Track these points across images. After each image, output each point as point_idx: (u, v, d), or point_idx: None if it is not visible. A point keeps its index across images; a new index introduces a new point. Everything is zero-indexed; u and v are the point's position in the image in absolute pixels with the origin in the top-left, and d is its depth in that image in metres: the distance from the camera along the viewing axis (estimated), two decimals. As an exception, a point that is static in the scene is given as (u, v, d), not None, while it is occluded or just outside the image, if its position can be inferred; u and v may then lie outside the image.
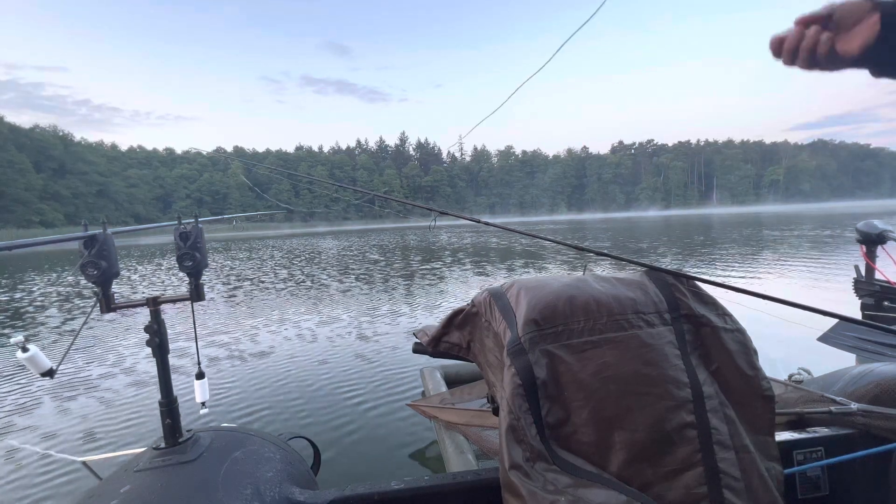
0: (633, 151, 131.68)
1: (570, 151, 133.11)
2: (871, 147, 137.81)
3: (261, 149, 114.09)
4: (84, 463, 1.44)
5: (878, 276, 3.23)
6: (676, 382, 0.90)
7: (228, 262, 16.36)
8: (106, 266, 1.03)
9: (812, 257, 10.58)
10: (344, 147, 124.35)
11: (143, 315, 1.10)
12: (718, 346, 0.97)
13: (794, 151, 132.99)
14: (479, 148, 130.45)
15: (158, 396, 1.09)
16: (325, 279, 10.65)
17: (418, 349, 1.30)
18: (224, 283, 10.60)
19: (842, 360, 2.14)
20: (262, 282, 10.65)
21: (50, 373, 1.04)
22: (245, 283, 10.47)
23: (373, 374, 4.00)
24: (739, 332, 1.00)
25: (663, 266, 1.12)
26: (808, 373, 1.82)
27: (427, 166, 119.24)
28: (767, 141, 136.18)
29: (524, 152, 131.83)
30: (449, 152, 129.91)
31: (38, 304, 8.97)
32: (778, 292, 1.38)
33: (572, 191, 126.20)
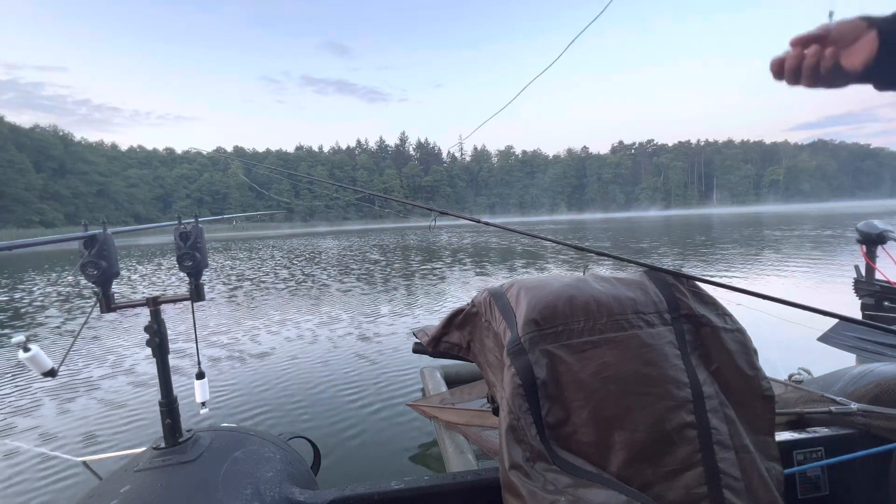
0: (633, 151, 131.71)
1: (570, 151, 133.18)
2: (872, 147, 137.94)
3: (261, 149, 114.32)
4: (84, 463, 1.44)
5: (878, 276, 3.23)
6: (676, 382, 0.90)
7: (229, 262, 16.36)
8: (106, 266, 1.03)
9: (813, 257, 10.58)
10: (344, 147, 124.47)
11: (144, 315, 1.10)
12: (718, 346, 0.97)
13: (794, 151, 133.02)
14: (479, 148, 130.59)
15: (158, 396, 1.10)
16: (326, 279, 10.65)
17: (418, 349, 1.30)
18: (224, 283, 10.60)
19: (842, 360, 2.14)
20: (263, 282, 10.65)
21: (51, 372, 1.04)
22: (245, 283, 10.47)
23: (373, 374, 4.00)
24: (739, 332, 1.00)
25: (663, 266, 1.12)
26: (808, 373, 1.83)
27: (427, 166, 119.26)
28: (767, 141, 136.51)
29: (524, 152, 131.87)
30: (449, 152, 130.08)
31: (39, 304, 8.97)
32: (778, 292, 1.38)
33: (572, 191, 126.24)
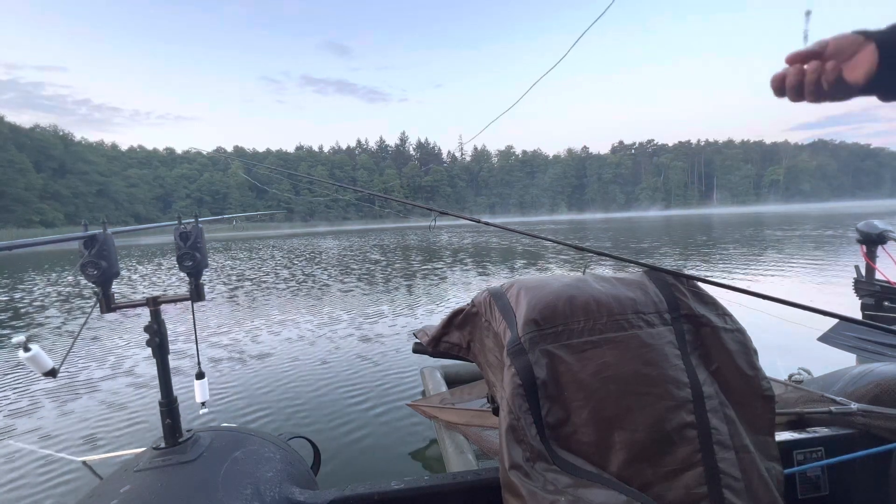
0: (633, 151, 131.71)
1: (570, 151, 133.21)
2: (872, 147, 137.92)
3: (261, 149, 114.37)
4: (84, 463, 1.44)
5: (878, 276, 3.23)
6: (676, 382, 0.90)
7: (229, 262, 16.36)
8: (106, 266, 1.03)
9: (813, 257, 10.58)
10: (344, 147, 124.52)
11: (144, 315, 1.10)
12: (718, 346, 0.97)
13: (794, 151, 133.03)
14: (479, 148, 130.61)
15: (158, 396, 1.10)
16: (326, 279, 10.65)
17: (418, 349, 1.30)
18: (224, 284, 10.60)
19: (842, 360, 2.14)
20: (263, 282, 10.65)
21: (52, 372, 1.04)
22: (246, 283, 10.48)
23: (373, 374, 4.00)
24: (739, 332, 1.00)
25: (663, 266, 1.12)
26: (808, 373, 1.83)
27: (427, 166, 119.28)
28: (768, 141, 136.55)
29: (524, 152, 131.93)
30: (449, 152, 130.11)
31: (39, 304, 8.97)
32: (778, 292, 1.38)
33: (572, 191, 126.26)
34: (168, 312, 1.09)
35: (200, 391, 1.25)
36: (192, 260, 1.15)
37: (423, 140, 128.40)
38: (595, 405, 0.88)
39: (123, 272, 14.02)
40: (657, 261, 11.07)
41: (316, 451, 1.46)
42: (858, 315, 3.21)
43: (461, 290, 8.33)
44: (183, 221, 1.19)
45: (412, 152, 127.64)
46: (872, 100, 0.60)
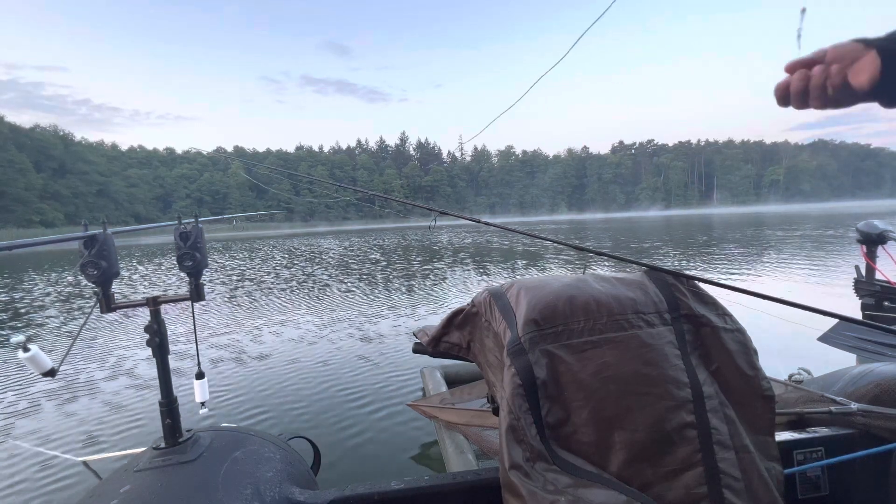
0: (633, 151, 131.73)
1: (570, 151, 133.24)
2: (872, 147, 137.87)
3: (261, 149, 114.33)
4: (84, 463, 1.44)
5: (878, 276, 3.23)
6: (676, 382, 0.90)
7: (230, 262, 16.37)
8: (106, 266, 1.03)
9: (814, 257, 10.58)
10: (344, 147, 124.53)
11: (144, 315, 1.10)
12: (718, 346, 0.97)
13: (794, 151, 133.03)
14: (479, 148, 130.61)
15: (158, 396, 1.10)
16: (327, 279, 10.65)
17: (418, 349, 1.30)
18: (224, 284, 10.61)
19: (842, 360, 2.14)
20: (264, 282, 10.65)
21: (51, 372, 1.04)
22: (246, 283, 10.48)
23: (373, 374, 4.00)
24: (739, 332, 1.00)
25: (663, 266, 1.12)
26: (808, 373, 1.82)
27: (427, 166, 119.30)
28: (768, 141, 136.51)
29: (524, 152, 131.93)
30: (449, 152, 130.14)
31: (39, 304, 8.98)
32: (778, 292, 1.38)
33: (572, 191, 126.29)
34: (168, 313, 1.09)
35: (200, 391, 1.25)
36: (192, 260, 1.15)
37: (423, 140, 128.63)
38: (595, 405, 0.88)
39: (123, 272, 14.03)
40: (658, 261, 11.07)
41: (316, 452, 1.46)
42: (858, 315, 3.21)
43: (461, 290, 8.33)
44: (183, 221, 1.19)
45: (412, 152, 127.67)
46: (872, 100, 0.59)
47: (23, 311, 8.23)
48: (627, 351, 0.92)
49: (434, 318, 5.97)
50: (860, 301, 3.29)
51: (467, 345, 1.16)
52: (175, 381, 1.15)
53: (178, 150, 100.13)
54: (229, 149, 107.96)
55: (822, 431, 1.26)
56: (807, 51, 0.61)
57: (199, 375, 1.25)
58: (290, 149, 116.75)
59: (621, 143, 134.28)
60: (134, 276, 13.05)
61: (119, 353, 5.07)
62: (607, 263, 9.43)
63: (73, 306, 8.52)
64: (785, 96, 0.61)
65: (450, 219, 1.75)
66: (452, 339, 1.19)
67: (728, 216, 49.84)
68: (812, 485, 1.20)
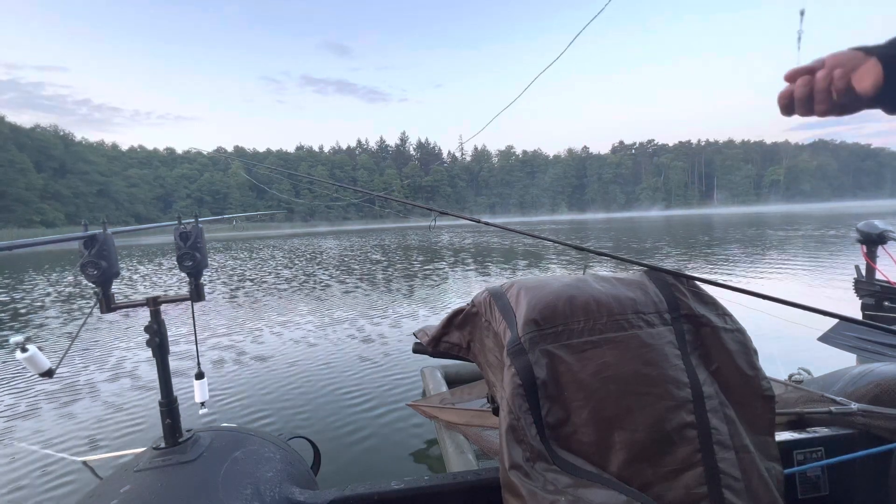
0: (633, 151, 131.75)
1: (570, 151, 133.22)
2: (872, 147, 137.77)
3: (261, 149, 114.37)
4: (84, 463, 1.44)
5: (878, 276, 3.23)
6: (676, 382, 0.90)
7: (230, 262, 16.37)
8: (106, 266, 1.03)
9: (815, 257, 10.58)
10: (344, 147, 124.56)
11: (144, 315, 1.10)
12: (718, 346, 0.97)
13: (794, 151, 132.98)
14: (479, 148, 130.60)
15: (158, 396, 1.10)
16: (327, 279, 10.66)
17: (418, 349, 1.30)
18: (225, 284, 10.61)
19: (842, 360, 2.13)
20: (265, 282, 10.66)
21: (49, 373, 1.04)
22: (247, 284, 10.48)
23: (373, 374, 4.00)
24: (739, 332, 1.00)
25: (664, 266, 1.12)
26: (808, 373, 1.82)
27: (427, 166, 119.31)
28: (768, 141, 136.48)
29: (524, 152, 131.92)
30: (449, 152, 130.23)
31: (39, 304, 8.98)
32: (778, 292, 1.38)
33: (573, 191, 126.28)
34: (168, 313, 1.09)
35: (200, 391, 1.25)
36: (192, 260, 1.15)
37: (423, 140, 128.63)
38: (595, 405, 0.88)
39: (124, 272, 14.03)
40: (659, 261, 11.07)
41: (316, 452, 1.46)
42: (858, 315, 3.21)
43: (462, 290, 8.33)
44: (183, 221, 1.19)
45: (412, 152, 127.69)
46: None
47: (23, 311, 8.24)
48: (627, 351, 0.92)
49: (434, 319, 5.98)
50: (860, 301, 3.29)
51: (467, 345, 1.16)
52: (175, 381, 1.15)
53: (179, 150, 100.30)
54: (229, 149, 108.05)
55: (822, 431, 1.26)
56: (807, 52, 0.61)
57: (199, 375, 1.25)
58: (291, 149, 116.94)
59: (621, 143, 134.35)
60: (134, 277, 13.05)
61: (119, 354, 5.07)
62: (607, 263, 9.43)
63: (74, 306, 8.53)
64: (789, 104, 0.61)
65: (450, 219, 1.75)
66: (452, 339, 1.19)
67: (729, 216, 49.84)
68: (812, 485, 1.20)
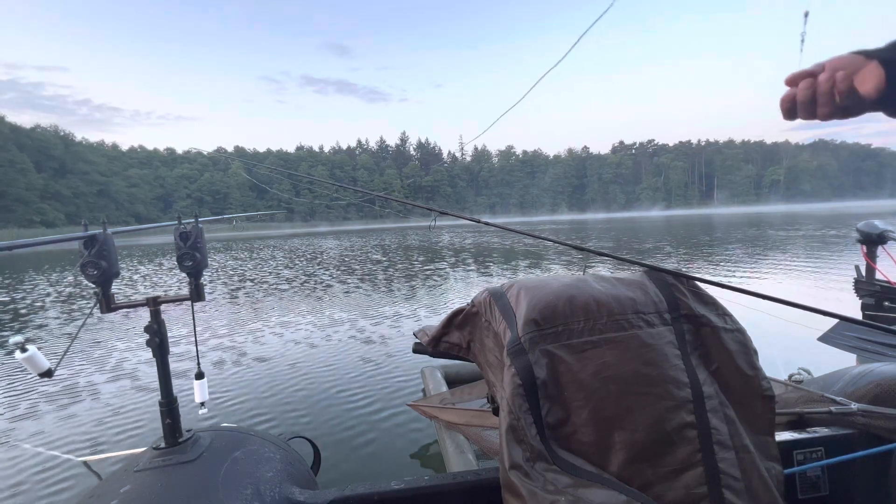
0: (633, 151, 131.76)
1: (570, 151, 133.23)
2: (872, 147, 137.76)
3: (261, 149, 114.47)
4: (84, 463, 1.44)
5: (878, 276, 3.23)
6: (676, 382, 0.90)
7: (230, 263, 16.37)
8: (106, 266, 1.03)
9: (815, 257, 10.57)
10: (344, 147, 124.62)
11: (144, 315, 1.10)
12: (718, 346, 0.97)
13: (794, 151, 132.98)
14: (479, 148, 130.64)
15: (158, 396, 1.10)
16: (328, 280, 10.66)
17: (418, 349, 1.30)
18: (225, 284, 10.61)
19: (842, 360, 2.13)
20: (265, 282, 10.66)
21: (48, 373, 1.04)
22: (247, 284, 10.48)
23: (373, 374, 4.00)
24: (739, 332, 1.00)
25: (664, 266, 1.12)
26: (808, 373, 1.82)
27: (427, 166, 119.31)
28: (768, 141, 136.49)
29: (524, 152, 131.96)
30: (450, 152, 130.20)
31: (39, 304, 8.98)
32: (778, 292, 1.38)
33: (573, 191, 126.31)
34: (168, 313, 1.09)
35: (200, 391, 1.25)
36: (192, 260, 1.15)
37: (423, 140, 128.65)
38: (595, 405, 0.88)
39: (124, 272, 14.04)
40: (660, 261, 11.07)
41: (316, 452, 1.46)
42: (858, 315, 3.21)
43: (462, 290, 8.33)
44: (183, 221, 1.19)
45: (412, 152, 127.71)
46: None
47: (23, 311, 8.24)
48: (627, 351, 0.92)
49: (434, 319, 5.98)
50: (860, 301, 3.29)
51: (467, 345, 1.16)
52: (175, 381, 1.15)
53: (179, 150, 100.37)
54: (230, 149, 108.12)
55: (822, 431, 1.26)
56: (809, 54, 0.61)
57: (199, 376, 1.25)
58: (291, 149, 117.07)
59: (621, 143, 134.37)
60: (134, 277, 13.05)
61: (119, 354, 5.07)
62: (608, 263, 9.43)
63: (74, 307, 8.53)
64: (791, 108, 0.61)
65: (450, 219, 1.75)
66: (452, 339, 1.19)
67: (729, 216, 49.83)
68: (812, 485, 1.20)
